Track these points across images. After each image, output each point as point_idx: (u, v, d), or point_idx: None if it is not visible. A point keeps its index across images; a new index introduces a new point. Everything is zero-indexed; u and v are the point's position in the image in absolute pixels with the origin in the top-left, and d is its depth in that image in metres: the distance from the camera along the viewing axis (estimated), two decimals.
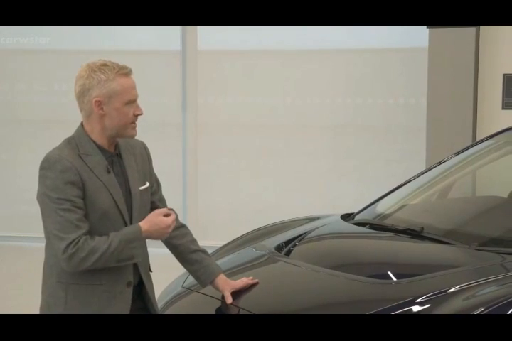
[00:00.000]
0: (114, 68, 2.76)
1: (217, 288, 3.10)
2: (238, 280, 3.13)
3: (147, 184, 2.94)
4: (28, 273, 6.21)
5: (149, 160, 3.01)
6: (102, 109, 2.77)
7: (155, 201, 3.02)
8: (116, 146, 2.88)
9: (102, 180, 2.77)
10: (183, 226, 3.11)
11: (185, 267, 3.13)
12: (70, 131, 2.88)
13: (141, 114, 2.83)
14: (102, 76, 2.74)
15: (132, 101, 2.80)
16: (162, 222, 2.77)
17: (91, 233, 2.73)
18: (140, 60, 7.09)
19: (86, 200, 2.74)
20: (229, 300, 3.05)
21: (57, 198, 2.69)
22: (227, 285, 3.09)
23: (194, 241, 3.12)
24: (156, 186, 3.04)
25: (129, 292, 2.83)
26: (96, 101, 2.76)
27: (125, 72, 2.78)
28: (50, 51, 7.46)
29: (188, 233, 3.12)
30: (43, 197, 2.73)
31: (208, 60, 7.24)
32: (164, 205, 3.05)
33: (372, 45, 6.91)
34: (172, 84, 7.31)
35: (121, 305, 2.81)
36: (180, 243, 3.07)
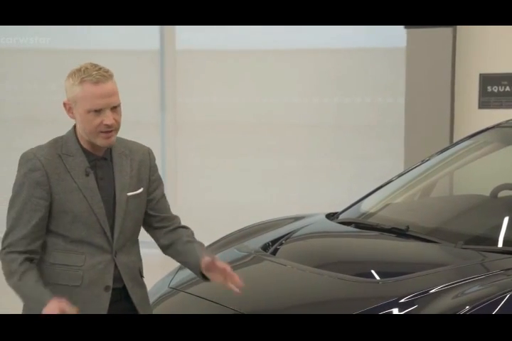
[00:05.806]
0: (82, 74, 2.68)
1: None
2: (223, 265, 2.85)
3: (140, 190, 2.84)
4: None
5: (151, 167, 2.93)
6: (72, 112, 2.74)
7: (150, 208, 2.91)
8: (107, 150, 2.82)
9: (76, 182, 2.72)
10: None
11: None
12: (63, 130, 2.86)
13: (108, 124, 2.69)
14: (70, 80, 2.70)
15: (96, 111, 2.67)
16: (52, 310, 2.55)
17: (65, 237, 2.70)
18: (117, 60, 7.03)
19: (55, 202, 2.70)
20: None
21: (22, 195, 2.70)
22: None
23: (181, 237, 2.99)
24: (158, 193, 2.91)
25: (106, 296, 2.76)
26: (65, 104, 2.74)
27: (89, 79, 2.66)
28: (35, 50, 7.36)
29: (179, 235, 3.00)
30: (12, 192, 2.75)
31: (187, 60, 7.20)
32: (161, 213, 2.93)
33: (350, 44, 6.89)
34: (150, 83, 7.26)
35: (96, 308, 2.74)
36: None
